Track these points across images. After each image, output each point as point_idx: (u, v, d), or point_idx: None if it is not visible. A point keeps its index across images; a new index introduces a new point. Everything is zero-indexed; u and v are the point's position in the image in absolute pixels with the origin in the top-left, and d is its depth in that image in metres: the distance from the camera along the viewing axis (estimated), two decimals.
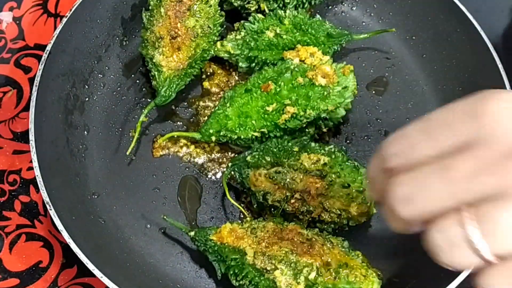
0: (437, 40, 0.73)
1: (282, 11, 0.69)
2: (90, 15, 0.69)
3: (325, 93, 0.62)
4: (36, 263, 0.64)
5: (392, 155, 0.38)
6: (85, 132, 0.68)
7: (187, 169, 0.67)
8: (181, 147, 0.68)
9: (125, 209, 0.64)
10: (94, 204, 0.64)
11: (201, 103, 0.71)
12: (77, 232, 0.57)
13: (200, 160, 0.67)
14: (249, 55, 0.68)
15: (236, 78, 0.72)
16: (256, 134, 0.63)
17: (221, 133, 0.64)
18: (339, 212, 0.58)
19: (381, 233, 0.63)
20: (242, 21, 0.70)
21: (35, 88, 0.62)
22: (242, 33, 0.69)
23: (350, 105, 0.66)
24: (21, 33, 0.78)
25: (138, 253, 0.62)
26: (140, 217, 0.64)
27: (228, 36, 0.69)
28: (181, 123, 0.70)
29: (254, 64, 0.69)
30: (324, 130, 0.66)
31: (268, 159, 0.60)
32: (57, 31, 0.65)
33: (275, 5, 0.70)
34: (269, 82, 0.63)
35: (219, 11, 0.69)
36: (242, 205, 0.64)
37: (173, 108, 0.70)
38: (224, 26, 0.70)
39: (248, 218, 0.60)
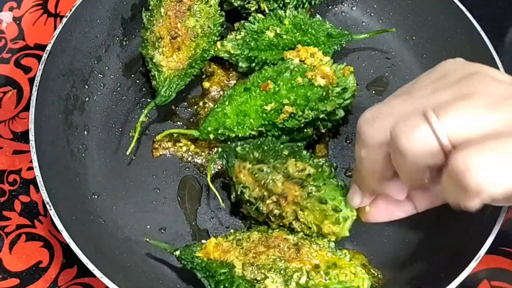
0: (437, 40, 0.73)
1: (282, 11, 0.69)
2: (90, 15, 0.69)
3: (324, 94, 0.62)
4: (36, 263, 0.64)
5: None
6: (85, 132, 0.68)
7: (187, 169, 0.67)
8: (181, 147, 0.68)
9: (125, 209, 0.64)
10: (94, 204, 0.64)
11: (201, 103, 0.71)
12: (77, 232, 0.57)
13: (200, 160, 0.67)
14: (249, 55, 0.68)
15: (236, 78, 0.72)
16: (254, 133, 0.63)
17: (219, 131, 0.64)
18: (309, 226, 0.57)
19: (380, 233, 0.63)
20: (242, 21, 0.70)
21: (35, 88, 0.62)
22: (242, 33, 0.69)
23: (350, 106, 0.66)
24: (21, 33, 0.78)
25: (138, 253, 0.62)
26: (140, 217, 0.64)
27: (228, 36, 0.69)
28: (181, 123, 0.70)
29: (254, 64, 0.69)
30: (323, 130, 0.66)
31: (256, 154, 0.59)
32: (57, 31, 0.65)
33: (275, 5, 0.70)
34: (268, 81, 0.63)
35: (219, 11, 0.69)
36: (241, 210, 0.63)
37: (173, 108, 0.70)
38: (224, 26, 0.70)
39: (232, 231, 0.59)
